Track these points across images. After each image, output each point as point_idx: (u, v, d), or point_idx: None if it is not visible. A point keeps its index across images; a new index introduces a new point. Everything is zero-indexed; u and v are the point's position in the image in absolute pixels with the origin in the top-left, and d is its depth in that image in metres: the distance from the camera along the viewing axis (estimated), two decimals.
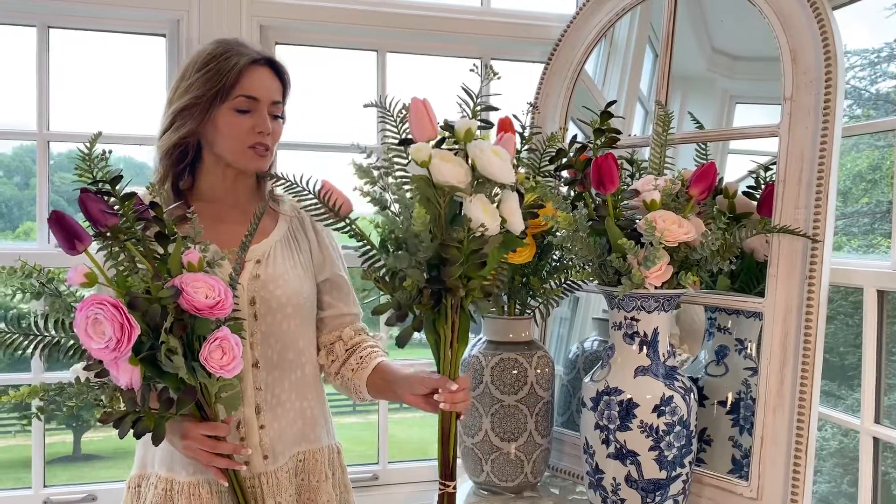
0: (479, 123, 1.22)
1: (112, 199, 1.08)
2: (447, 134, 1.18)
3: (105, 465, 8.68)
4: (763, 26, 1.41)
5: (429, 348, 1.24)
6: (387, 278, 1.16)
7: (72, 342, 1.08)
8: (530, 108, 1.67)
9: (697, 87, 1.79)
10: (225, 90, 1.31)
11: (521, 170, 1.57)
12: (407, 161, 1.21)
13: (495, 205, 1.15)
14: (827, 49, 1.31)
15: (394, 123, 1.26)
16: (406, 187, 1.17)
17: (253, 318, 1.32)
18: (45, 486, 1.81)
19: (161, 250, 1.11)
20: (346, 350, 1.45)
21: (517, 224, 1.17)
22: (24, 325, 1.07)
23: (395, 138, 1.26)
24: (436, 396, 1.22)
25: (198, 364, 1.07)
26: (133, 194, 1.10)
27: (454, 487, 1.25)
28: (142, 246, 1.10)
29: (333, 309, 1.46)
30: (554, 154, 1.49)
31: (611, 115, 1.42)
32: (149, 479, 1.34)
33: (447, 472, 1.24)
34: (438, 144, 1.18)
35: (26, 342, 1.07)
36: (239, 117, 1.32)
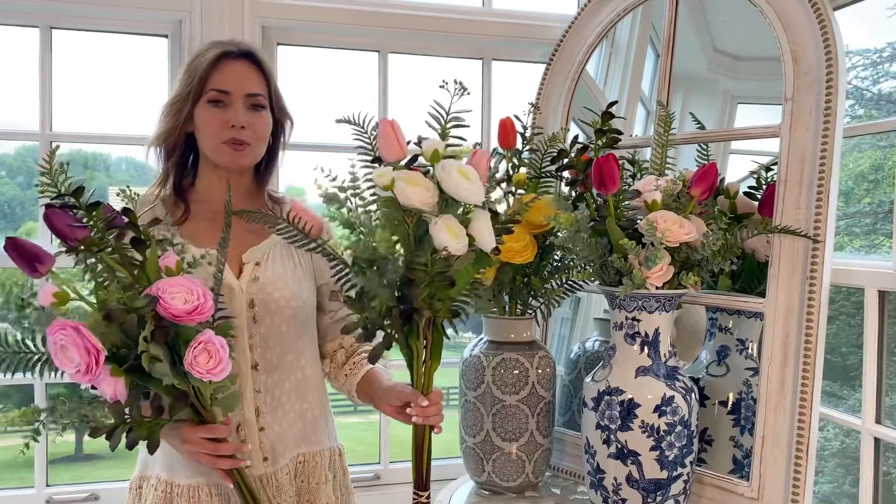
0: (451, 141, 1.22)
1: (80, 211, 1.06)
2: (420, 149, 1.18)
3: (107, 464, 8.68)
4: (764, 26, 1.41)
5: None
6: (354, 298, 1.17)
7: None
8: (531, 109, 1.67)
9: (699, 88, 1.79)
10: (197, 86, 1.31)
11: (523, 170, 1.58)
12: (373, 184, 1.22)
13: (467, 223, 1.16)
14: (828, 49, 1.31)
15: (368, 140, 1.26)
16: (372, 208, 1.17)
17: (252, 321, 1.32)
18: (47, 486, 1.82)
19: (139, 256, 1.10)
20: (347, 358, 1.46)
21: (487, 243, 1.17)
22: (10, 343, 1.06)
23: (370, 155, 1.25)
24: (408, 410, 1.24)
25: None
26: (99, 203, 1.06)
27: (427, 497, 1.28)
28: (117, 254, 1.08)
29: (334, 314, 1.46)
30: (555, 154, 1.49)
31: (612, 116, 1.42)
32: (149, 480, 1.34)
33: (421, 483, 1.27)
34: (411, 162, 1.19)
35: (9, 361, 1.06)
36: (212, 112, 1.32)
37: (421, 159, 1.18)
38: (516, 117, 1.56)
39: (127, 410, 1.06)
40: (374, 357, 1.21)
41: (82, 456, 8.98)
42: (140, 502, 1.34)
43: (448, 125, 1.23)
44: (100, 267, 1.07)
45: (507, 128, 1.53)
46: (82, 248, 1.05)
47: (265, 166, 1.45)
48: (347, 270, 1.18)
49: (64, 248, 1.05)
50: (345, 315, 1.46)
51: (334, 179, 1.18)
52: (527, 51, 2.12)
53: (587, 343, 1.79)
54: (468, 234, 1.15)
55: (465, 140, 1.29)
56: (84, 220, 1.06)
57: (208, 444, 1.14)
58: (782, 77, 1.37)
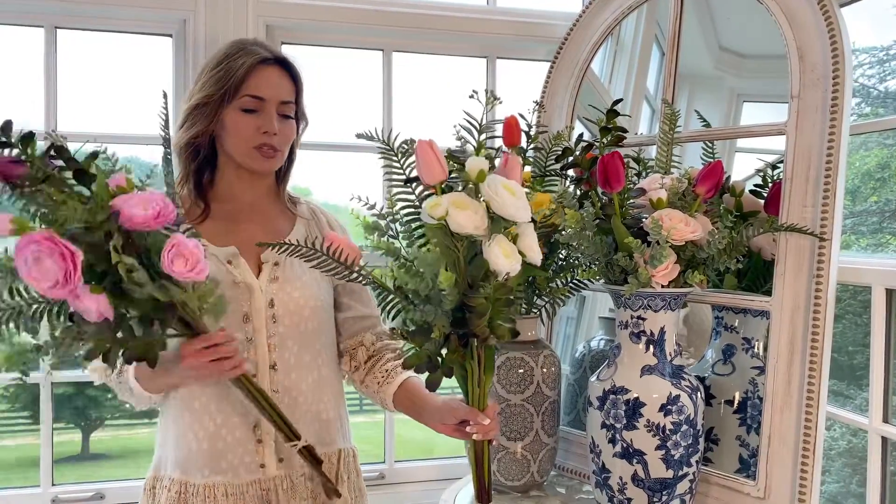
0: (486, 155, 1.19)
1: (11, 149, 1.02)
2: (455, 165, 1.16)
3: (113, 464, 8.71)
4: (770, 24, 1.40)
5: None
6: (413, 332, 1.16)
7: (35, 305, 1.05)
8: (536, 107, 1.66)
9: (704, 86, 1.78)
10: (232, 89, 1.31)
11: (528, 168, 1.57)
12: (415, 196, 1.21)
13: (515, 238, 1.14)
14: (834, 46, 1.30)
15: (397, 160, 1.25)
16: (418, 233, 1.16)
17: (271, 320, 1.32)
18: (53, 485, 1.82)
19: (86, 191, 1.05)
20: (370, 357, 1.44)
21: (536, 256, 1.16)
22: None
23: (399, 173, 1.24)
24: (468, 428, 1.23)
25: (166, 279, 1.04)
26: (32, 133, 1.03)
27: None
28: (65, 187, 1.04)
29: (352, 311, 1.46)
30: (560, 153, 1.48)
31: (617, 114, 1.41)
32: (162, 481, 1.34)
33: (484, 495, 1.27)
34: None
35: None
36: (245, 117, 1.32)
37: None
38: (521, 116, 1.56)
39: (117, 327, 1.03)
40: (432, 386, 1.20)
41: (88, 455, 9.00)
42: (154, 503, 1.34)
43: (482, 137, 1.21)
44: (50, 202, 1.02)
45: (511, 126, 1.53)
46: (26, 184, 1.02)
47: (285, 168, 1.46)
48: (393, 297, 1.18)
49: (6, 188, 1.02)
50: (364, 311, 1.46)
51: (372, 207, 1.18)
52: (531, 49, 2.11)
53: (592, 342, 1.78)
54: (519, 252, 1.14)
55: (499, 151, 1.29)
56: (21, 157, 1.02)
57: (206, 352, 1.13)
58: (788, 75, 1.36)
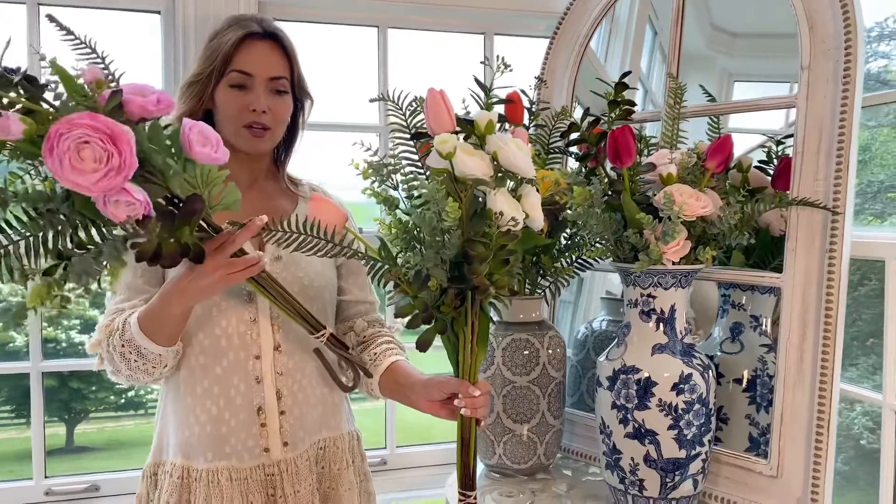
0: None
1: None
2: (459, 129, 1.12)
3: (98, 456, 8.65)
4: (763, 1, 1.37)
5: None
6: (410, 279, 1.10)
7: (79, 218, 0.94)
8: (537, 83, 1.62)
9: (697, 65, 1.75)
10: (220, 65, 1.26)
11: (531, 146, 1.53)
12: (418, 156, 1.16)
13: (519, 199, 1.11)
14: (846, 15, 1.27)
15: (403, 117, 1.21)
16: (415, 184, 1.11)
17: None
18: (46, 477, 1.77)
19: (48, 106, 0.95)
20: (359, 343, 1.40)
21: (539, 219, 1.12)
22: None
23: (404, 132, 1.19)
24: (455, 402, 1.16)
25: (188, 161, 0.97)
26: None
27: (475, 498, 1.20)
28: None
29: (348, 295, 1.42)
30: (565, 129, 1.45)
31: (626, 87, 1.38)
32: (164, 466, 1.30)
33: (468, 482, 1.19)
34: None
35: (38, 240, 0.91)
36: (233, 94, 1.27)
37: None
38: (523, 92, 1.52)
39: (164, 218, 0.96)
40: (424, 344, 1.13)
41: (73, 448, 8.92)
42: (156, 490, 1.30)
43: (491, 101, 1.18)
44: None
45: (514, 102, 1.49)
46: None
47: (285, 148, 1.41)
48: (381, 263, 1.13)
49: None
50: (360, 296, 1.42)
51: (375, 153, 1.13)
52: (530, 24, 2.07)
53: (594, 323, 1.76)
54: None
55: (507, 119, 1.25)
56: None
57: (228, 248, 1.07)
58: (798, 46, 1.33)
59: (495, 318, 1.54)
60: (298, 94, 1.35)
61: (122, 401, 9.29)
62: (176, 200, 1.01)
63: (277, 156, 1.40)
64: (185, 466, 1.26)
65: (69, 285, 0.95)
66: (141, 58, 1.89)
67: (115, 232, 0.99)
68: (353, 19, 1.95)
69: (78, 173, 0.86)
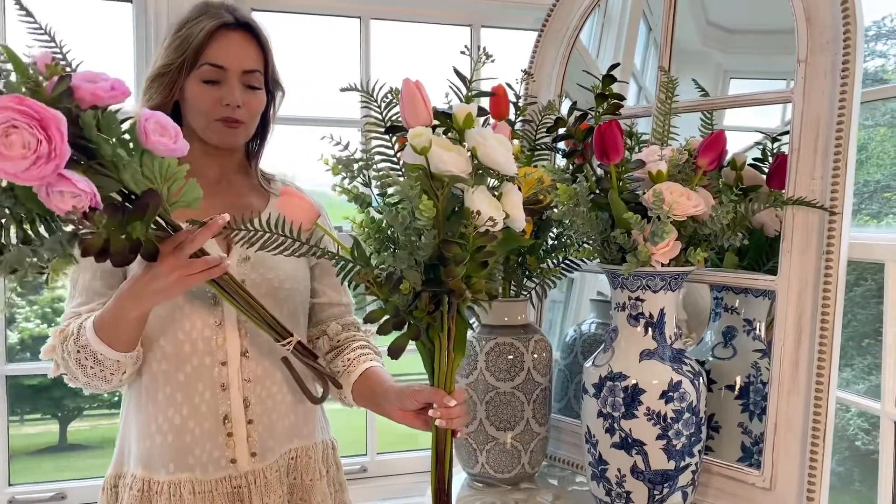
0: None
1: None
2: (437, 123, 1.06)
3: (91, 454, 8.59)
4: None
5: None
6: (381, 281, 1.02)
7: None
8: (524, 76, 1.56)
9: (692, 61, 1.71)
10: (191, 58, 1.20)
11: (516, 142, 1.48)
12: (393, 151, 1.10)
13: (499, 198, 1.05)
14: (845, 6, 1.21)
15: (378, 109, 1.14)
16: (391, 179, 1.04)
17: None
18: (10, 485, 1.71)
19: None
20: (332, 348, 1.34)
21: (520, 219, 1.06)
22: None
23: (380, 125, 1.13)
24: (430, 412, 1.09)
25: (146, 153, 0.92)
26: None
27: None
28: None
29: (322, 297, 1.36)
30: (551, 124, 1.39)
31: (613, 80, 1.32)
32: (125, 478, 1.23)
33: (443, 497, 1.12)
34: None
35: None
36: (205, 88, 1.20)
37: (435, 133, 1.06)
38: (508, 86, 1.46)
39: (115, 213, 0.90)
40: (396, 351, 1.06)
41: (65, 446, 8.87)
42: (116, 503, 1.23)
43: (471, 94, 1.11)
44: None
45: (499, 96, 1.43)
46: None
47: (257, 142, 1.35)
48: (351, 263, 1.06)
49: None
50: (334, 298, 1.36)
51: (346, 148, 1.06)
52: (518, 16, 2.01)
53: (583, 326, 1.70)
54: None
55: (489, 113, 1.19)
56: None
57: (188, 247, 1.01)
58: (794, 39, 1.28)
59: (480, 321, 1.48)
60: (272, 86, 1.30)
61: (116, 398, 9.22)
62: (134, 196, 0.95)
63: (249, 150, 1.34)
64: (145, 479, 1.20)
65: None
66: (119, 50, 1.82)
67: (68, 228, 0.93)
68: (335, 9, 1.89)
69: (5, 160, 0.81)
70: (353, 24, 1.90)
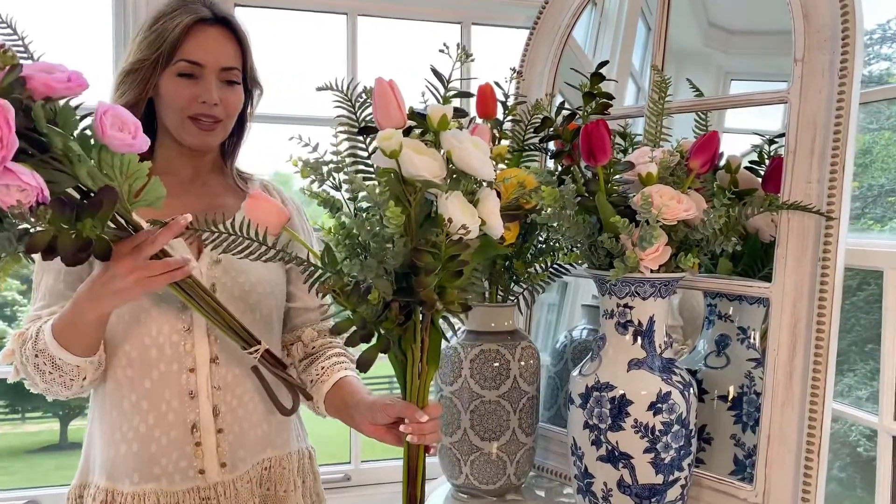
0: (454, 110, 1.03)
1: None
2: (414, 124, 1.01)
3: None
4: None
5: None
6: (348, 291, 0.97)
7: None
8: (514, 75, 1.51)
9: (693, 62, 1.67)
10: (166, 53, 1.15)
11: (504, 142, 1.43)
12: (367, 153, 1.05)
13: (475, 204, 0.99)
14: (844, 3, 1.17)
15: (351, 109, 1.09)
16: (368, 182, 0.99)
17: None
18: None
19: None
20: (307, 355, 1.29)
21: (497, 227, 1.01)
22: None
23: (354, 126, 1.08)
24: (402, 427, 1.04)
25: (104, 148, 0.88)
26: None
27: None
28: None
29: (297, 301, 1.31)
30: (539, 124, 1.34)
31: (602, 78, 1.27)
32: (88, 489, 1.19)
33: None
34: (407, 133, 1.01)
35: None
36: (181, 84, 1.16)
37: (412, 135, 1.01)
38: (497, 84, 1.41)
39: (63, 207, 0.86)
40: (364, 364, 1.01)
41: (66, 444, 8.85)
42: None
43: (449, 93, 1.05)
44: None
45: (486, 95, 1.38)
46: None
47: (233, 141, 1.30)
48: (321, 271, 1.01)
49: None
50: (310, 303, 1.31)
51: (315, 149, 1.00)
52: (509, 14, 1.97)
53: (574, 331, 1.66)
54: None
55: (468, 114, 1.14)
56: None
57: (147, 249, 0.96)
58: (791, 37, 1.23)
59: (465, 327, 1.43)
60: (250, 84, 1.26)
61: None
62: (92, 194, 0.91)
63: (225, 149, 1.30)
64: (108, 489, 1.15)
65: None
66: (98, 44, 1.78)
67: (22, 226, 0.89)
68: (321, 5, 1.84)
69: None
70: (339, 21, 1.86)
